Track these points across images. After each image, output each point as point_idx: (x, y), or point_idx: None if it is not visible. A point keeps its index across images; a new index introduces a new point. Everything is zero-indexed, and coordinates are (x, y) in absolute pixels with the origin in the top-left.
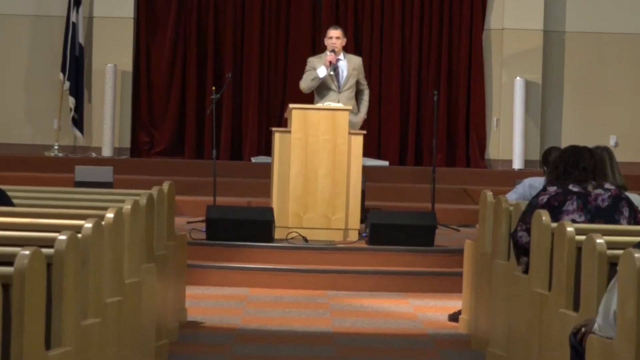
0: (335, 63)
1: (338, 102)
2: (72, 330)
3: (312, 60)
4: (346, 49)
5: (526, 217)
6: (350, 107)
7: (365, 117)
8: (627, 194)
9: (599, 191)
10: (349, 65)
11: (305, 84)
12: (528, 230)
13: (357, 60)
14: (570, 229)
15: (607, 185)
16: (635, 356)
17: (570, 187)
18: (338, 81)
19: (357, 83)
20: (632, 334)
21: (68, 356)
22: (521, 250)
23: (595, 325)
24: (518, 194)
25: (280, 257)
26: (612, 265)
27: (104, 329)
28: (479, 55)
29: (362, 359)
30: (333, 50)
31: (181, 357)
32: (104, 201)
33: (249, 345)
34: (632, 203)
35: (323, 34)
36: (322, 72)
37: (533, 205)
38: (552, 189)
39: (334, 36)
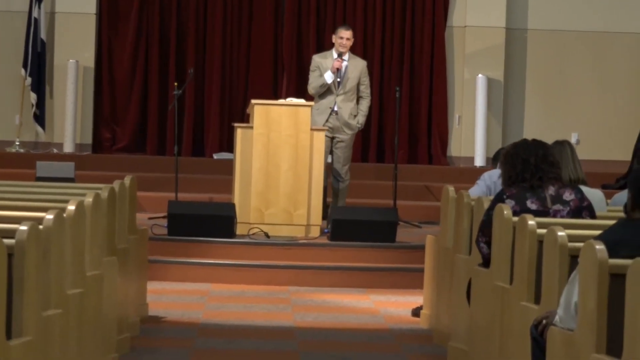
0: (342, 68)
1: (335, 103)
2: (33, 320)
3: (316, 60)
4: (308, 46)
5: (485, 230)
6: (312, 103)
7: (362, 127)
8: (586, 188)
9: (557, 207)
10: (351, 67)
11: (314, 89)
12: (487, 243)
13: (362, 64)
14: (531, 222)
15: (565, 196)
16: (595, 347)
17: (529, 203)
18: (338, 82)
19: (359, 88)
20: (592, 325)
21: (29, 346)
22: (483, 259)
23: (557, 317)
24: (480, 188)
25: (242, 253)
26: (573, 258)
27: (65, 320)
28: (441, 52)
29: (324, 353)
30: (340, 54)
31: (143, 351)
32: (65, 195)
33: (210, 340)
34: (593, 211)
35: (286, 31)
36: (329, 78)
37: (491, 216)
38: (511, 204)
39: (345, 37)
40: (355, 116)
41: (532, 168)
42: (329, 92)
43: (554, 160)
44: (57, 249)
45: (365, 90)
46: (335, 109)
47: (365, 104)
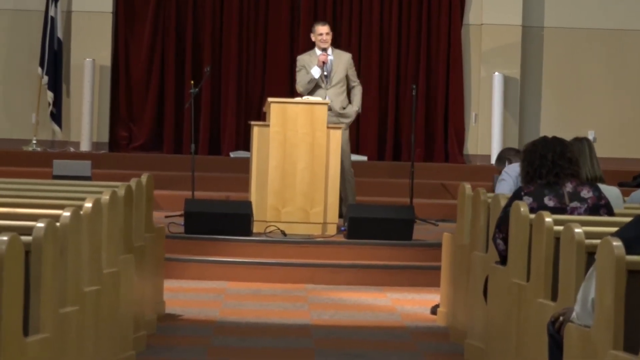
0: (327, 62)
1: (326, 97)
2: (50, 317)
3: (302, 59)
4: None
5: (501, 227)
6: (328, 102)
7: (359, 110)
8: (604, 186)
9: (574, 204)
10: (336, 61)
11: (302, 87)
12: (504, 240)
13: (346, 57)
14: (548, 219)
15: (583, 193)
16: (612, 344)
17: (546, 200)
18: (326, 77)
19: (348, 80)
20: (609, 321)
21: (46, 343)
22: (500, 256)
23: (573, 314)
24: (508, 183)
25: (258, 251)
26: (590, 255)
27: (82, 317)
28: (457, 50)
29: (340, 351)
30: (325, 49)
31: (159, 349)
32: (82, 192)
33: (227, 337)
34: (611, 208)
35: (302, 28)
36: (316, 72)
37: (508, 213)
38: (528, 200)
39: (324, 32)
40: (344, 108)
41: (549, 164)
42: (318, 87)
43: (572, 157)
44: (74, 247)
45: (355, 80)
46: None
47: (358, 91)
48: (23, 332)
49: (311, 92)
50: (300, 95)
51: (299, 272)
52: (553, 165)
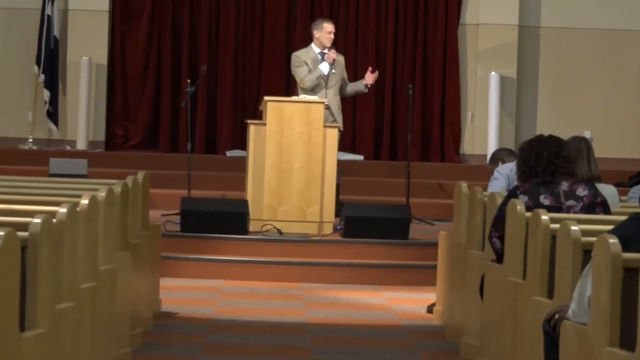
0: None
1: (326, 97)
2: (47, 312)
3: (300, 55)
4: None
5: (498, 225)
6: (325, 100)
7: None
8: (600, 185)
9: (570, 202)
10: (336, 62)
11: (310, 82)
12: (500, 238)
13: (342, 58)
14: (544, 217)
15: (579, 191)
16: (609, 341)
17: (542, 199)
18: (327, 77)
19: (341, 83)
20: (606, 319)
21: (42, 338)
22: (496, 254)
23: (569, 311)
24: (501, 182)
25: (254, 250)
26: (586, 253)
27: (78, 314)
28: (454, 50)
29: (336, 349)
30: (332, 47)
31: (155, 346)
32: (78, 190)
33: (223, 335)
34: (607, 207)
35: (298, 28)
36: (325, 68)
37: (504, 212)
38: (524, 199)
39: (332, 30)
40: (341, 110)
41: (545, 163)
42: (319, 86)
43: (567, 156)
44: (70, 243)
45: (347, 80)
46: (327, 103)
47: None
48: (19, 327)
49: (312, 91)
50: (304, 91)
51: (295, 271)
52: (549, 164)
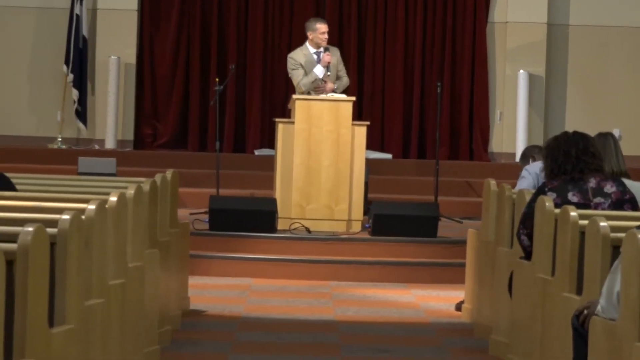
0: (331, 62)
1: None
2: (76, 308)
3: (295, 57)
4: (349, 42)
5: (526, 222)
6: (354, 98)
7: (336, 87)
8: (629, 181)
9: (598, 199)
10: (332, 57)
11: (305, 87)
12: (528, 235)
13: (337, 52)
14: (573, 213)
15: (607, 188)
16: (638, 337)
17: (570, 196)
18: (323, 79)
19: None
20: (635, 314)
21: (71, 334)
22: (524, 251)
23: (599, 307)
24: (528, 181)
25: (283, 248)
26: (615, 249)
27: (107, 310)
28: (482, 48)
29: (366, 346)
30: (327, 48)
31: (184, 343)
32: (107, 187)
33: (252, 333)
34: (635, 203)
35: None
36: (320, 72)
37: (533, 209)
38: (552, 196)
39: (326, 30)
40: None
41: (574, 160)
42: (316, 88)
43: (595, 152)
44: (99, 240)
45: (344, 75)
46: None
47: (343, 80)
48: (48, 323)
49: (308, 93)
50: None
51: (323, 269)
52: (577, 161)
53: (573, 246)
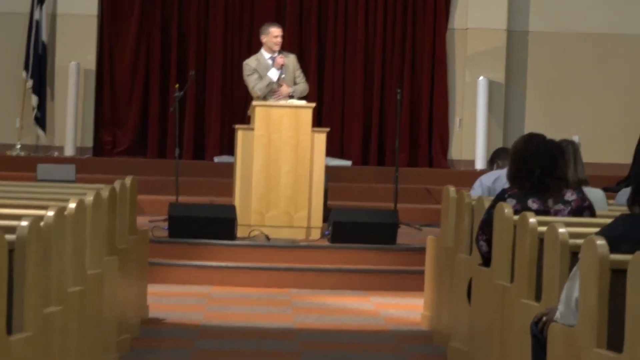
0: (285, 64)
1: (279, 101)
2: (34, 316)
3: (251, 63)
4: (309, 48)
5: (485, 229)
6: (314, 105)
7: (293, 92)
8: (588, 188)
9: (558, 207)
10: (287, 63)
11: (261, 91)
12: (487, 241)
13: (293, 58)
14: (532, 220)
15: (567, 196)
16: (596, 343)
17: (530, 202)
18: (277, 82)
19: (295, 79)
20: (593, 320)
21: (29, 342)
22: (483, 258)
23: (557, 314)
24: (476, 192)
25: (242, 255)
26: (574, 255)
27: (66, 318)
28: (442, 54)
29: (325, 354)
30: (281, 52)
31: (143, 351)
32: (66, 194)
33: (212, 340)
34: (593, 210)
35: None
36: (274, 75)
37: (492, 215)
38: (512, 202)
39: (280, 34)
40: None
41: (535, 180)
42: (272, 92)
43: (561, 174)
44: (58, 246)
45: (302, 80)
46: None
47: (301, 86)
48: (7, 330)
49: (266, 98)
50: (257, 99)
51: (283, 276)
52: (538, 182)
53: (532, 253)
